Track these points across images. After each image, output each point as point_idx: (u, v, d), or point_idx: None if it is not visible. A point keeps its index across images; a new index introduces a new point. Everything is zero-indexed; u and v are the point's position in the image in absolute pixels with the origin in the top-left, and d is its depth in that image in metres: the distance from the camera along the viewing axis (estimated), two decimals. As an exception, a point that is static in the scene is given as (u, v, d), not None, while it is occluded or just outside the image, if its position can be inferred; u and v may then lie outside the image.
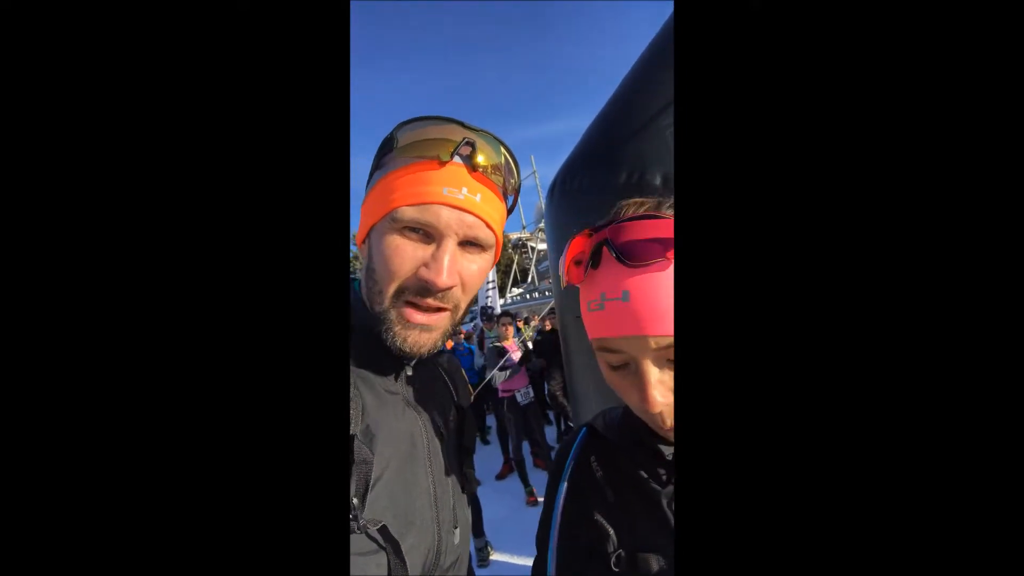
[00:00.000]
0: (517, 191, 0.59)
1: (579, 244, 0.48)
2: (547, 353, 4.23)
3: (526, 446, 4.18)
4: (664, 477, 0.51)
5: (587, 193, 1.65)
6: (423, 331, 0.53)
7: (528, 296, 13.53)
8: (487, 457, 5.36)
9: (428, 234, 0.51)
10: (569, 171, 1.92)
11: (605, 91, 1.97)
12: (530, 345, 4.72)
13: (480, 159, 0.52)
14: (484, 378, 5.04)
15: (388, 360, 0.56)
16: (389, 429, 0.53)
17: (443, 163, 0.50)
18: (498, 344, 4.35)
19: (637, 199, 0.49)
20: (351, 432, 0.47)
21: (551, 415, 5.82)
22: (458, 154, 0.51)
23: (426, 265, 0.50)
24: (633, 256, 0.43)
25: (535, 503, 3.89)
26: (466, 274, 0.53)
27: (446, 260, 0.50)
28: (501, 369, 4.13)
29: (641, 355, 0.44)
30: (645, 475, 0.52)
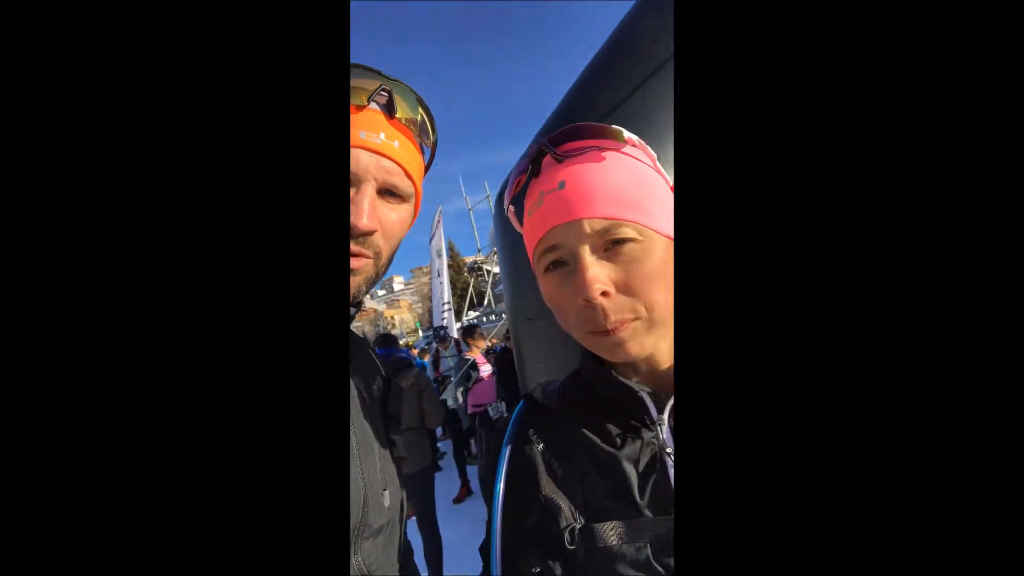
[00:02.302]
0: (434, 148, 0.59)
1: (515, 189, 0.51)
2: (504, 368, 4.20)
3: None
4: (618, 439, 0.46)
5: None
6: None
7: (484, 319, 13.48)
8: (442, 482, 5.16)
9: None
10: (513, 177, 1.97)
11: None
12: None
13: (397, 109, 0.52)
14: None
15: None
16: None
17: (359, 108, 0.50)
18: (468, 356, 4.27)
19: None
20: None
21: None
22: (374, 100, 0.51)
23: None
24: (570, 152, 0.47)
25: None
26: (386, 221, 0.53)
27: (366, 203, 0.49)
28: (467, 382, 4.06)
29: (578, 242, 0.43)
30: (596, 438, 0.47)
